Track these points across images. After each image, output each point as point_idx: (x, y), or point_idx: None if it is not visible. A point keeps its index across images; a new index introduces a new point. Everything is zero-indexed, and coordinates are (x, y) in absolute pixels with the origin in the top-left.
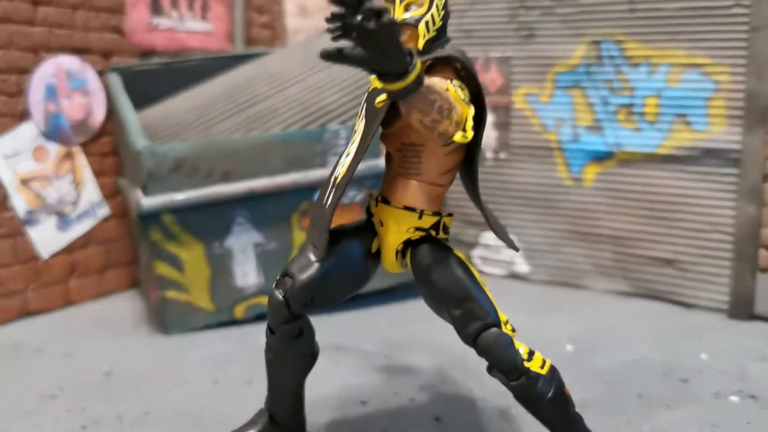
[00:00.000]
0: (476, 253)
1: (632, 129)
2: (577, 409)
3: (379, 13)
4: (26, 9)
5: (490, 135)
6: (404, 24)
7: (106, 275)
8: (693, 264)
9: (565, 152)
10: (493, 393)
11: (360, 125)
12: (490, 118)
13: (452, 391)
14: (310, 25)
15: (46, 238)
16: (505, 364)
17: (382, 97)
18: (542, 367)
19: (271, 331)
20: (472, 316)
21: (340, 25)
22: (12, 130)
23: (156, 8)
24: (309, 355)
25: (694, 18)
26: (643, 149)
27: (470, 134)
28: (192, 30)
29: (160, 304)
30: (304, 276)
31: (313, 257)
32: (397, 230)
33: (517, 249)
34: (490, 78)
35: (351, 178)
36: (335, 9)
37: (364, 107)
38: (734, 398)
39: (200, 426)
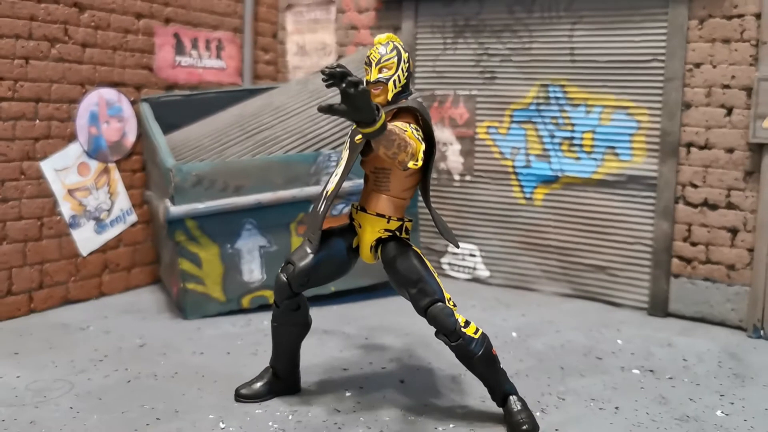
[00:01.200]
0: (445, 260)
1: (573, 158)
2: (513, 377)
3: (357, 83)
4: (77, 50)
5: (457, 161)
6: (378, 82)
7: (132, 272)
8: (620, 270)
9: (519, 176)
10: (448, 364)
11: (345, 154)
12: (457, 147)
13: (415, 362)
14: (308, 62)
15: (86, 239)
16: (447, 329)
17: (360, 136)
18: (475, 333)
19: (276, 305)
20: (423, 293)
21: (332, 83)
22: (63, 149)
23: (179, 49)
24: (304, 324)
25: (622, 69)
26: (581, 175)
27: (420, 163)
28: (208, 66)
29: (181, 294)
30: (302, 264)
31: (309, 250)
32: (371, 231)
33: (457, 246)
34: (458, 113)
35: (338, 192)
36: (326, 77)
37: (349, 141)
38: (636, 371)
39: (218, 382)
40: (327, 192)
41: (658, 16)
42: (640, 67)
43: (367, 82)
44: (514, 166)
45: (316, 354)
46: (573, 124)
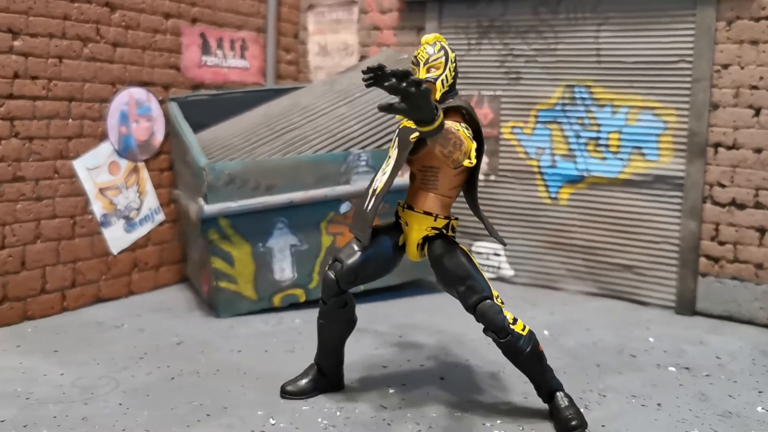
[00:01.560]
0: None
1: (599, 158)
2: None
3: (419, 83)
4: (108, 50)
5: (482, 161)
6: (426, 81)
7: (160, 270)
8: (647, 269)
9: (544, 176)
10: (485, 361)
11: (393, 152)
12: None
13: (453, 360)
14: (330, 63)
15: (116, 238)
16: (496, 326)
17: (415, 134)
18: (523, 329)
19: (323, 302)
20: (472, 290)
21: (374, 80)
22: (94, 148)
23: (205, 49)
24: (350, 321)
25: (648, 70)
26: (607, 175)
27: (474, 161)
28: (233, 66)
29: (213, 292)
30: (350, 261)
31: (356, 247)
32: (418, 229)
33: (504, 243)
34: (482, 113)
35: (388, 190)
36: (367, 75)
37: (397, 139)
38: (672, 368)
39: (261, 379)
40: (376, 190)
41: (686, 17)
42: (667, 68)
43: None
44: (539, 166)
45: (353, 352)
46: (599, 125)
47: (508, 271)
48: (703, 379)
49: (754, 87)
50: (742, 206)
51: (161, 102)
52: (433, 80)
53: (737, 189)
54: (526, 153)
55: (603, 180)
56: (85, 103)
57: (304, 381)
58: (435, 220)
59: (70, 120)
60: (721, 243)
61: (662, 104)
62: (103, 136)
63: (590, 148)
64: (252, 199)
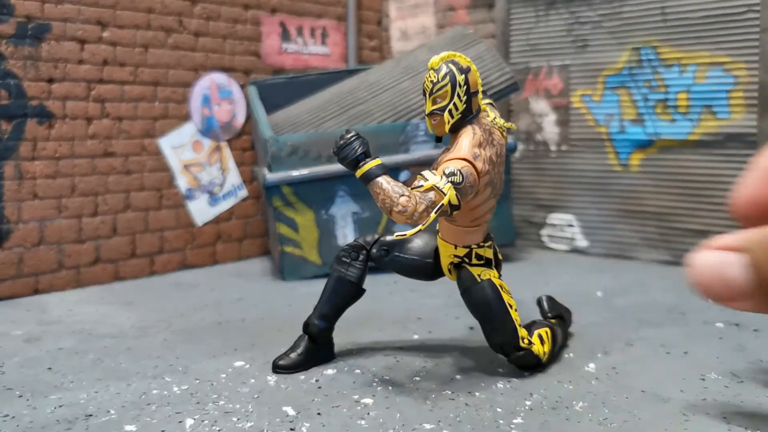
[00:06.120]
0: (544, 231)
1: (668, 120)
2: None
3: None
4: (191, 39)
5: (553, 131)
6: (433, 114)
7: (243, 243)
8: (720, 234)
9: (614, 142)
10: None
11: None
12: (552, 117)
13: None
14: (411, 47)
15: (200, 210)
16: (526, 368)
17: None
18: (542, 344)
19: (342, 251)
20: (496, 331)
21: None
22: (178, 128)
23: (285, 36)
24: (359, 286)
25: (715, 24)
26: (677, 137)
27: (430, 220)
28: (313, 53)
29: (280, 256)
30: (390, 238)
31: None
32: (444, 254)
33: None
34: (552, 83)
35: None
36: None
37: None
38: (720, 324)
39: (298, 325)
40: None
41: None
42: (734, 20)
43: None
44: (608, 133)
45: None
46: (667, 86)
47: (582, 242)
48: (750, 333)
49: None
50: None
51: (242, 86)
52: (440, 112)
53: None
54: (595, 120)
55: (673, 143)
56: (170, 87)
57: (295, 354)
58: (456, 249)
59: (156, 102)
60: None
61: (731, 58)
62: (186, 118)
63: (659, 110)
64: (313, 168)
